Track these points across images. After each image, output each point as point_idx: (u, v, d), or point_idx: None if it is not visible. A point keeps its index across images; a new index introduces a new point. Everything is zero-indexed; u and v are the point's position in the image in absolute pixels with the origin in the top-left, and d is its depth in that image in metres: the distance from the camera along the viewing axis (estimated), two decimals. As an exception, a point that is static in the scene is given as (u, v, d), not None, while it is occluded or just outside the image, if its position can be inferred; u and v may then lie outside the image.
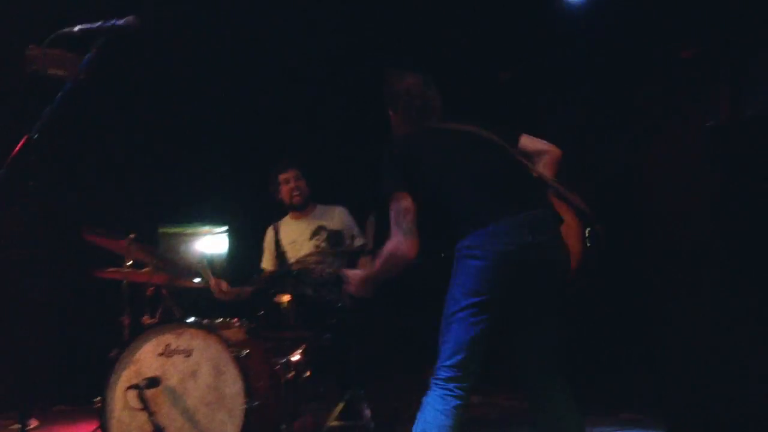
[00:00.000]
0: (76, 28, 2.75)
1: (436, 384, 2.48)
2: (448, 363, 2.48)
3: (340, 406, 3.88)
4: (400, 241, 2.62)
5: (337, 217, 4.59)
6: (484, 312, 2.47)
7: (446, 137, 2.77)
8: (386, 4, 5.81)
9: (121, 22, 2.75)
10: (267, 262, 4.67)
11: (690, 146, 4.52)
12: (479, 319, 2.47)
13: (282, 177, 4.57)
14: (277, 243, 4.55)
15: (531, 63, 6.13)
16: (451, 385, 2.47)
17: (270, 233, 4.64)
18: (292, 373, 3.78)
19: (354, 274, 2.87)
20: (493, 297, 2.48)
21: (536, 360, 2.62)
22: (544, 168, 2.86)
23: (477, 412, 5.16)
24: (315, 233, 4.54)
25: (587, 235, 2.75)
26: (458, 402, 2.46)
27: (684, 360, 4.07)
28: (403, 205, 2.63)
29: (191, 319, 3.75)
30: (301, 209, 4.60)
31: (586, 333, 4.88)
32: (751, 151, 3.78)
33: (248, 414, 3.45)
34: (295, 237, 4.56)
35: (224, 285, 4.32)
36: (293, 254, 4.48)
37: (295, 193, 4.54)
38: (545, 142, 2.93)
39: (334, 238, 4.51)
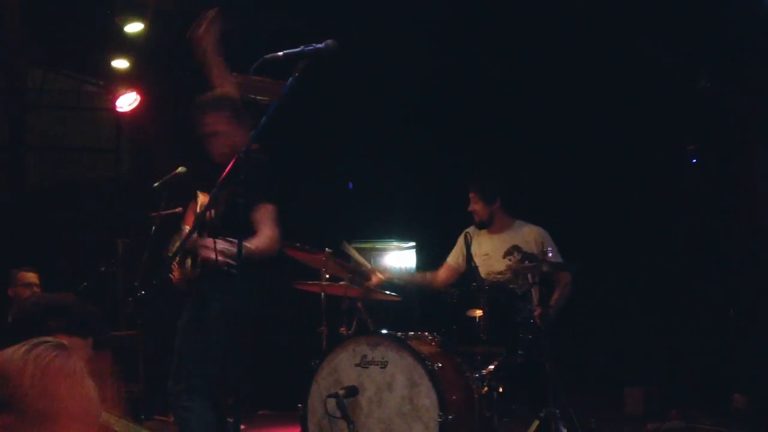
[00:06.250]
0: (281, 53, 2.92)
1: None
2: None
3: (535, 424, 3.79)
4: None
5: (532, 239, 4.48)
6: None
7: None
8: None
9: (321, 45, 2.89)
10: (453, 257, 4.71)
11: None
12: None
13: (469, 194, 4.61)
14: (468, 249, 4.45)
15: (730, 69, 5.73)
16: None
17: (462, 238, 4.59)
18: (486, 388, 3.75)
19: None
20: None
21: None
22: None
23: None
24: (509, 252, 4.46)
25: None
26: None
27: None
28: None
29: (385, 331, 3.84)
30: (481, 228, 4.57)
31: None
32: None
33: (443, 427, 3.46)
34: (488, 251, 4.52)
35: (379, 272, 4.59)
36: (485, 268, 4.39)
37: (474, 214, 4.56)
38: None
39: (528, 259, 4.41)
